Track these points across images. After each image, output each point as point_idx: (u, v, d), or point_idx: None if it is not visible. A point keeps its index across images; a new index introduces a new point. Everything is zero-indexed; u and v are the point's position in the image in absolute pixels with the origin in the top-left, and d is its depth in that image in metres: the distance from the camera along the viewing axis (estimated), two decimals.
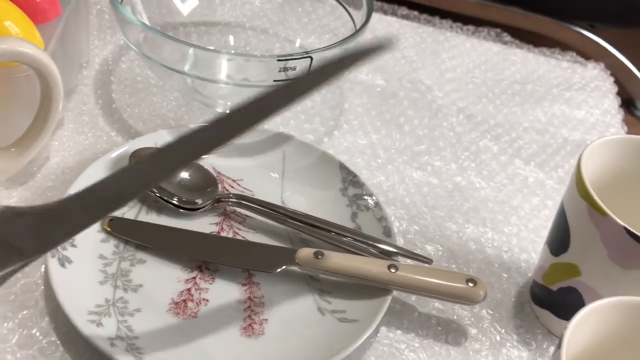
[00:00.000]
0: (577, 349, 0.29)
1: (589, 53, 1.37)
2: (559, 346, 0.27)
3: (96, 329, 0.34)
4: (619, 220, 0.33)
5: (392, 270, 0.38)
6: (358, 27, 0.52)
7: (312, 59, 0.44)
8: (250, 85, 0.46)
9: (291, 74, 0.45)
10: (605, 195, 0.37)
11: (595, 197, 0.34)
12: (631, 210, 0.39)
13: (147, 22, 0.54)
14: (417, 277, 0.38)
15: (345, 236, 0.41)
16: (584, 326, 0.29)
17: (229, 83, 0.46)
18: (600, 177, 0.39)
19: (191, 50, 0.45)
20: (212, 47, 0.57)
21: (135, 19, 0.45)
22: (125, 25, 0.46)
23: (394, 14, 0.69)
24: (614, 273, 0.35)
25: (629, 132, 0.62)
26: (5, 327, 0.35)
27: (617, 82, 0.68)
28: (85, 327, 0.34)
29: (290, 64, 0.44)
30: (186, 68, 0.45)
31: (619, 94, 0.66)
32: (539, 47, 0.68)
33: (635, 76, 1.43)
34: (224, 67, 0.46)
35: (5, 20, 0.37)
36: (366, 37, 0.62)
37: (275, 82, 0.45)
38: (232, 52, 0.56)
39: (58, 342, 0.35)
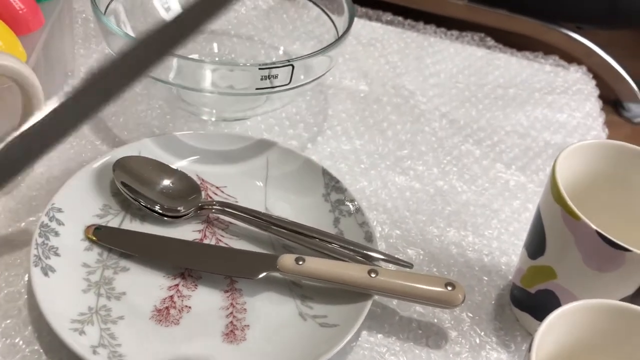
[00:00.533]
0: (549, 350, 0.30)
1: (576, 55, 1.38)
2: (529, 348, 0.28)
3: (79, 337, 0.35)
4: (591, 225, 0.34)
5: (372, 275, 0.38)
6: (340, 32, 0.53)
7: (293, 66, 0.45)
8: (235, 94, 0.46)
9: (274, 81, 0.45)
10: (580, 200, 0.38)
11: (569, 202, 0.35)
12: (606, 214, 0.39)
13: (130, 31, 0.54)
14: (397, 281, 0.38)
15: (327, 242, 0.42)
16: (555, 328, 0.30)
17: (213, 92, 0.46)
18: (576, 182, 0.39)
19: (175, 60, 0.46)
20: (196, 56, 0.57)
21: (118, 29, 0.45)
22: (109, 35, 0.46)
23: (378, 19, 0.70)
24: (589, 276, 0.35)
25: (616, 133, 0.63)
26: None
27: (604, 83, 0.69)
28: (68, 335, 0.34)
29: (273, 72, 0.44)
30: (170, 77, 0.46)
31: (606, 95, 0.66)
32: (522, 51, 0.69)
33: (622, 77, 1.45)
34: (208, 76, 0.47)
35: None
36: (351, 43, 0.63)
37: (258, 90, 0.45)
38: (216, 60, 0.57)
39: (41, 350, 0.36)
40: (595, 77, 0.69)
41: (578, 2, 1.33)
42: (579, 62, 0.70)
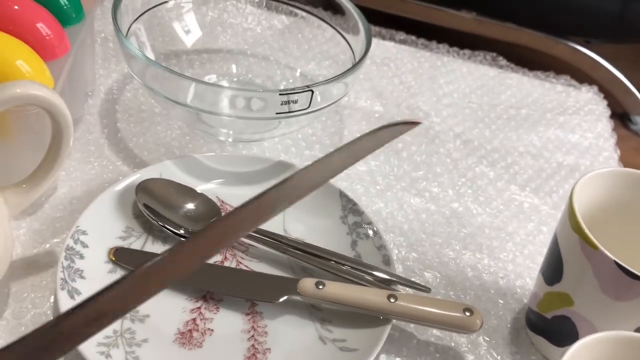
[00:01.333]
0: None
1: (583, 68, 1.39)
2: None
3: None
4: (609, 254, 0.35)
5: (392, 300, 0.39)
6: (356, 52, 0.54)
7: (312, 92, 0.46)
8: (254, 118, 0.47)
9: (294, 106, 0.46)
10: (597, 227, 0.38)
11: (587, 231, 0.36)
12: (623, 241, 0.40)
13: (150, 51, 0.55)
14: (416, 306, 0.39)
15: (345, 265, 0.43)
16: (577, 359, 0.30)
17: (231, 115, 0.47)
18: (592, 209, 0.40)
19: (194, 84, 0.46)
20: (214, 76, 0.58)
21: (139, 53, 0.46)
22: (130, 58, 0.47)
23: (391, 38, 0.71)
24: (606, 304, 0.36)
25: (623, 146, 0.63)
26: None
27: (611, 96, 0.70)
28: (95, 358, 0.35)
29: (293, 97, 0.45)
30: (189, 99, 0.47)
31: (613, 108, 0.67)
32: (534, 70, 0.70)
33: (630, 90, 1.45)
34: (226, 100, 0.48)
35: (16, 60, 0.38)
36: (365, 62, 0.63)
37: (277, 114, 0.46)
38: (235, 86, 0.58)
39: None
40: (602, 90, 0.69)
41: (586, 17, 1.34)
42: (586, 75, 0.70)
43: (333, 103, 0.49)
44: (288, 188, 0.25)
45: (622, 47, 1.54)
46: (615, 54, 1.49)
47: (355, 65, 0.48)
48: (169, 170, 0.46)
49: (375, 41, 0.68)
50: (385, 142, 0.29)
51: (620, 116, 1.48)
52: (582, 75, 0.70)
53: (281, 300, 0.40)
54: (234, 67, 0.59)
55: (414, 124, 0.29)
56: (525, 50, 1.29)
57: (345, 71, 0.47)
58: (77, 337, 0.21)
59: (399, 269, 0.45)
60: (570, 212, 0.37)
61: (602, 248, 0.35)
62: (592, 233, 0.36)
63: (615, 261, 0.34)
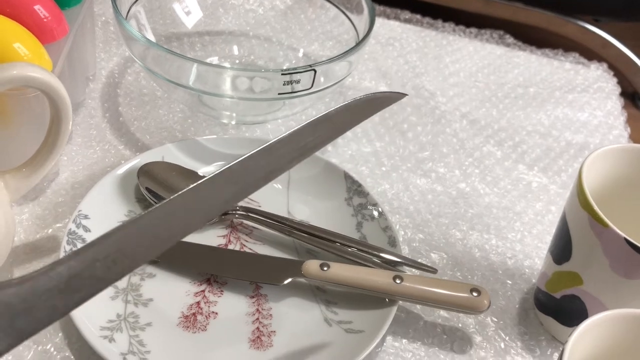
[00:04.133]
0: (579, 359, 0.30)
1: (593, 47, 1.37)
2: (560, 358, 0.28)
3: (108, 345, 0.35)
4: (619, 232, 0.34)
5: (398, 281, 0.38)
6: (360, 32, 0.53)
7: (315, 71, 0.45)
8: (256, 99, 0.46)
9: (296, 86, 0.45)
10: (607, 204, 0.38)
11: (596, 208, 0.35)
12: (632, 218, 0.39)
13: (151, 33, 0.54)
14: (422, 287, 0.38)
15: (350, 247, 0.42)
16: (586, 337, 0.30)
17: (233, 97, 0.46)
18: (602, 186, 0.39)
19: (196, 65, 0.46)
20: (216, 58, 0.57)
21: (139, 35, 0.45)
22: (130, 40, 0.46)
23: (396, 18, 0.70)
24: (616, 282, 0.35)
25: (633, 126, 0.62)
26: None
27: (621, 75, 0.68)
28: (98, 342, 0.35)
29: (295, 77, 0.44)
30: (191, 81, 0.46)
31: (623, 87, 0.66)
32: (542, 48, 0.68)
33: None
34: (228, 81, 0.47)
35: (14, 42, 0.38)
36: (369, 42, 0.62)
37: (280, 95, 0.45)
38: (236, 63, 0.57)
39: (72, 357, 0.36)
40: (612, 68, 0.68)
41: None
42: (596, 54, 0.69)
43: (336, 83, 0.48)
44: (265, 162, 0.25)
45: (632, 25, 1.51)
46: (625, 33, 1.46)
47: (359, 43, 0.48)
48: (171, 154, 0.46)
49: (379, 20, 0.68)
50: (368, 116, 0.28)
51: (630, 95, 1.46)
52: (592, 54, 0.69)
53: (286, 282, 0.39)
54: (235, 48, 0.59)
55: (399, 95, 0.28)
56: (532, 29, 1.27)
57: (349, 50, 0.46)
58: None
59: (405, 250, 0.45)
60: (579, 189, 0.36)
61: (612, 225, 0.34)
62: (601, 210, 0.35)
63: (625, 238, 0.34)
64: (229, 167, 0.25)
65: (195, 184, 0.25)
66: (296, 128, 0.26)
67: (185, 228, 0.24)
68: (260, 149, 0.26)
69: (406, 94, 0.34)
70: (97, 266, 0.22)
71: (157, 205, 0.24)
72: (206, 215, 0.25)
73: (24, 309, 0.21)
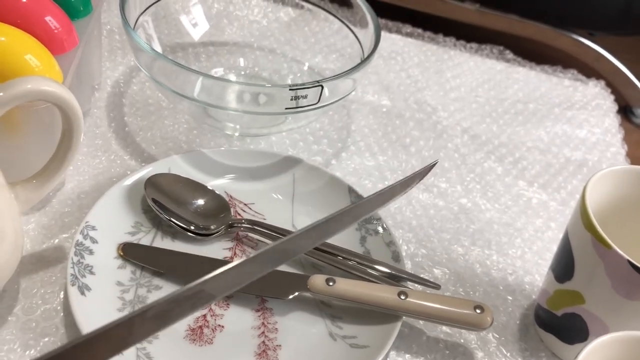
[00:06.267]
0: None
1: (587, 60, 1.38)
2: None
3: (116, 357, 0.35)
4: (622, 254, 0.35)
5: (402, 297, 0.39)
6: (364, 46, 0.53)
7: (322, 87, 0.45)
8: (263, 113, 0.47)
9: (303, 101, 0.46)
10: (609, 225, 0.38)
11: (600, 230, 0.35)
12: (634, 239, 0.40)
13: (158, 43, 0.55)
14: (427, 304, 0.39)
15: (354, 261, 0.42)
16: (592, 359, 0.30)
17: (238, 110, 0.47)
18: (604, 207, 0.40)
19: (201, 78, 0.46)
20: (221, 69, 0.58)
21: (147, 46, 0.46)
22: (138, 50, 0.47)
23: (398, 31, 0.70)
24: (618, 303, 0.36)
25: (626, 139, 0.63)
26: (28, 355, 0.36)
27: (613, 88, 0.70)
28: None
29: (302, 92, 0.45)
30: (196, 93, 0.46)
31: (615, 100, 0.67)
32: (541, 64, 0.69)
33: (632, 83, 1.45)
34: (233, 94, 0.47)
35: (25, 54, 0.38)
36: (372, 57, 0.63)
37: (286, 110, 0.46)
38: (243, 80, 0.57)
39: None
40: (603, 80, 0.69)
41: (590, 9, 1.33)
42: (589, 67, 0.70)
43: (342, 98, 0.49)
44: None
45: (625, 39, 1.53)
46: (618, 47, 1.48)
47: (365, 59, 0.48)
48: (178, 165, 0.46)
49: (382, 34, 0.68)
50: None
51: (622, 109, 1.48)
52: (585, 67, 0.70)
53: (291, 296, 0.40)
54: (241, 60, 0.59)
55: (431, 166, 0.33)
56: (530, 43, 1.28)
57: (356, 65, 0.47)
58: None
59: (408, 265, 0.45)
60: (583, 210, 0.37)
61: (615, 247, 0.35)
62: (604, 231, 0.36)
63: (628, 260, 0.34)
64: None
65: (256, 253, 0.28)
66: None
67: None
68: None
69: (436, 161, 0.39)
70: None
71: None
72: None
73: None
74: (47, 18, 0.42)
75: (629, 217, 0.40)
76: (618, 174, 0.40)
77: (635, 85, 1.47)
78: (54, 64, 0.40)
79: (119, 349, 0.24)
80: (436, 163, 0.36)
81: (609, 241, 0.35)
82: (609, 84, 0.69)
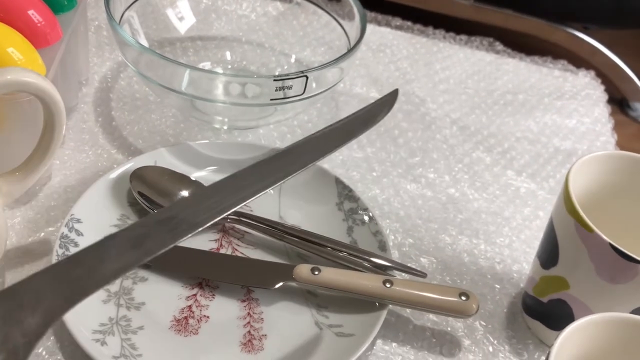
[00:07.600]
0: None
1: (582, 54, 1.38)
2: None
3: (100, 348, 0.36)
4: (605, 237, 0.34)
5: (388, 285, 0.39)
6: (351, 39, 0.54)
7: (307, 77, 0.45)
8: (248, 104, 0.47)
9: (289, 92, 0.46)
10: (593, 210, 0.38)
11: (582, 214, 0.35)
12: (618, 225, 0.40)
13: (144, 38, 0.55)
14: (412, 291, 0.39)
15: (341, 251, 0.42)
16: (571, 341, 0.30)
17: (225, 102, 0.47)
18: (588, 192, 0.40)
19: (189, 70, 0.46)
20: (208, 63, 0.58)
21: (133, 40, 0.46)
22: (124, 45, 0.47)
23: (387, 24, 0.70)
24: (602, 287, 0.36)
25: (622, 132, 0.63)
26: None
27: (610, 82, 0.69)
28: (90, 346, 0.35)
29: (287, 83, 0.45)
30: (183, 86, 0.46)
31: (612, 94, 0.67)
32: (531, 55, 0.69)
33: (628, 76, 1.44)
34: (220, 86, 0.47)
35: (7, 47, 0.38)
36: (361, 49, 0.63)
37: (272, 100, 0.46)
38: (228, 68, 0.57)
39: None
40: (601, 75, 0.69)
41: (585, 3, 1.33)
42: (585, 61, 0.70)
43: (328, 89, 0.49)
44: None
45: (621, 33, 1.53)
46: (614, 40, 1.48)
47: (350, 50, 0.48)
48: (164, 158, 0.46)
49: (371, 27, 0.68)
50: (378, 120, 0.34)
51: (619, 102, 1.48)
52: (581, 61, 0.70)
53: (277, 286, 0.40)
54: (228, 54, 0.59)
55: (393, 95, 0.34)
56: (522, 36, 1.28)
57: (340, 56, 0.47)
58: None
59: (395, 255, 0.45)
60: (566, 195, 0.37)
61: (597, 231, 0.35)
62: (587, 216, 0.36)
63: (610, 243, 0.34)
64: (257, 164, 0.30)
65: (234, 173, 0.31)
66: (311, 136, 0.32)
67: (231, 204, 0.29)
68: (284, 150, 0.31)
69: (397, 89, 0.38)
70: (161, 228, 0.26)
71: (207, 186, 0.29)
72: (244, 198, 0.30)
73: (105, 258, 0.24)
74: (30, 12, 0.42)
75: (613, 203, 0.40)
76: (602, 160, 0.40)
77: (632, 79, 1.47)
78: (37, 57, 0.40)
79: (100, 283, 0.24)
80: (397, 90, 0.39)
81: (591, 225, 0.35)
82: (605, 78, 0.69)
